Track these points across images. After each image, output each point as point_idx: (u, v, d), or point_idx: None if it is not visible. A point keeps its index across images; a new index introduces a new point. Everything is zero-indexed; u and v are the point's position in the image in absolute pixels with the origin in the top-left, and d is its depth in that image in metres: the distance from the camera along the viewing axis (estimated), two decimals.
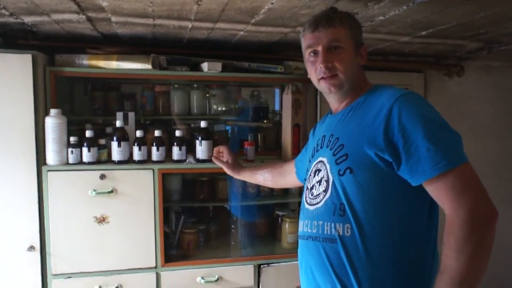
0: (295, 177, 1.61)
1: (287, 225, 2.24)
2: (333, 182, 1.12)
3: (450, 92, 2.75)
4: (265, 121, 2.36)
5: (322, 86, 1.23)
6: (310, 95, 2.34)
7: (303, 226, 1.20)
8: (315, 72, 1.21)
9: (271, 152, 2.29)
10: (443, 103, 2.62)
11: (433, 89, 2.72)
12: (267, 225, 2.40)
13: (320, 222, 1.13)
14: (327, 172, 1.15)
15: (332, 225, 1.10)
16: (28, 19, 1.69)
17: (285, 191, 2.35)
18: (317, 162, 1.22)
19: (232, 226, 2.34)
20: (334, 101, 1.27)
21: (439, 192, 1.01)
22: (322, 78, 1.20)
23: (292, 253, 2.18)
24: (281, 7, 1.47)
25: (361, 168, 1.08)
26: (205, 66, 2.06)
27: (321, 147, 1.23)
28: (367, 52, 1.25)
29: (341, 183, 1.10)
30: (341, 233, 1.09)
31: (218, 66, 2.05)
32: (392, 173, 1.06)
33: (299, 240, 1.24)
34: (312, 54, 1.21)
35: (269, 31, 1.86)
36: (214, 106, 2.38)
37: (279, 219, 2.32)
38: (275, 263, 2.13)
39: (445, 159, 0.98)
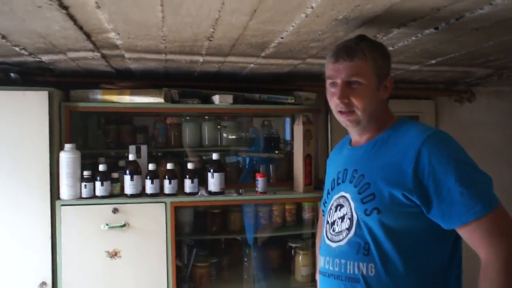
0: None
1: (300, 258, 2.19)
2: (357, 220, 1.10)
3: (461, 118, 2.73)
4: (276, 152, 2.36)
5: (339, 119, 1.20)
6: (321, 125, 2.34)
7: (325, 263, 1.17)
8: (333, 103, 1.18)
9: (283, 184, 2.27)
10: (454, 129, 2.57)
11: (444, 116, 2.71)
12: (280, 257, 2.35)
13: (343, 261, 1.11)
14: (351, 209, 1.12)
15: (356, 265, 1.08)
16: (45, 58, 1.74)
17: (298, 222, 2.32)
18: (339, 197, 1.19)
19: (245, 258, 2.30)
20: (354, 134, 1.24)
21: (473, 237, 1.00)
22: (340, 111, 1.17)
23: (306, 286, 2.13)
24: (290, 41, 1.50)
25: (389, 209, 1.05)
26: (216, 98, 2.08)
27: (343, 181, 1.20)
28: (392, 84, 1.20)
29: (367, 223, 1.08)
30: (364, 273, 1.06)
31: (229, 98, 2.07)
32: (420, 214, 1.04)
33: (320, 276, 1.21)
34: (332, 85, 1.18)
35: (279, 63, 1.89)
36: (226, 137, 2.39)
37: (292, 251, 2.28)
38: None
39: (480, 204, 0.97)
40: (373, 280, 1.05)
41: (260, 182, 2.09)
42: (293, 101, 2.18)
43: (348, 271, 1.09)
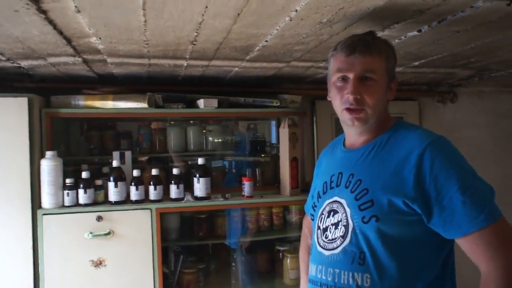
0: None
1: (288, 261, 2.19)
2: (353, 228, 1.05)
3: (445, 119, 2.77)
4: (262, 155, 2.35)
5: (345, 117, 1.12)
6: (306, 128, 2.34)
7: (317, 272, 1.11)
8: (340, 99, 1.10)
9: (270, 187, 2.26)
10: (437, 130, 2.56)
11: (427, 116, 2.74)
12: (268, 261, 2.34)
13: (337, 270, 1.06)
14: (346, 216, 1.07)
15: (350, 275, 1.03)
16: (24, 63, 1.70)
17: (285, 225, 2.31)
18: (332, 202, 1.13)
19: (233, 263, 2.28)
20: (353, 134, 1.17)
21: (473, 248, 0.97)
22: (348, 108, 1.09)
23: None
24: (275, 44, 1.49)
25: (388, 217, 1.01)
26: (201, 103, 2.06)
27: (337, 185, 1.14)
28: (396, 86, 1.16)
29: (363, 231, 1.03)
30: (359, 283, 1.02)
31: (214, 102, 2.05)
32: (419, 223, 1.01)
33: (310, 285, 1.15)
34: (340, 79, 1.10)
35: (264, 67, 1.89)
36: (211, 141, 2.37)
37: (280, 254, 2.27)
38: None
39: (482, 214, 0.95)
40: None
41: (246, 186, 2.08)
42: (278, 104, 2.18)
43: (342, 281, 1.04)
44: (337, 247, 1.07)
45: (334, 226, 1.09)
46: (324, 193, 1.18)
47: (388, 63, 1.10)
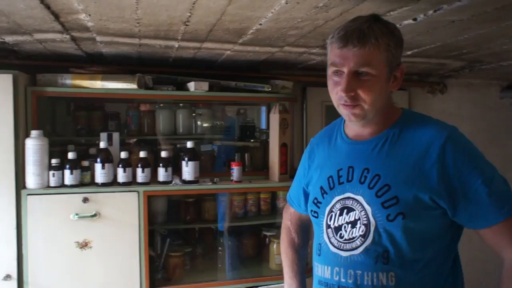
0: (308, 216, 1.26)
1: (275, 246, 2.20)
2: (376, 227, 1.00)
3: (434, 109, 2.79)
4: (252, 140, 2.34)
5: (342, 112, 1.06)
6: (297, 114, 2.33)
7: (333, 274, 1.05)
8: (335, 94, 1.04)
9: (259, 172, 2.26)
10: None
11: (417, 106, 2.76)
12: (255, 246, 2.35)
13: (359, 272, 1.01)
14: (366, 214, 1.01)
15: (375, 275, 0.99)
16: (9, 39, 1.64)
17: (273, 211, 2.32)
18: (344, 199, 1.06)
19: (219, 247, 2.29)
20: (355, 126, 1.11)
21: (498, 237, 0.98)
22: (343, 104, 1.03)
23: (280, 275, 2.13)
24: (269, 28, 1.47)
25: (414, 213, 0.98)
26: (191, 85, 2.03)
27: (348, 181, 1.07)
28: (403, 74, 1.06)
29: (388, 229, 0.99)
30: (384, 283, 0.99)
31: (204, 85, 2.02)
32: (442, 216, 1.00)
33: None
34: (335, 73, 1.03)
35: (256, 51, 1.86)
36: (200, 125, 2.35)
37: (267, 239, 2.28)
38: (263, 285, 2.08)
39: (507, 205, 0.96)
40: None
41: (235, 171, 2.07)
42: (270, 89, 2.16)
43: (365, 283, 1.00)
44: (357, 247, 1.02)
45: (350, 225, 1.03)
46: (331, 188, 1.10)
47: (388, 52, 1.00)
